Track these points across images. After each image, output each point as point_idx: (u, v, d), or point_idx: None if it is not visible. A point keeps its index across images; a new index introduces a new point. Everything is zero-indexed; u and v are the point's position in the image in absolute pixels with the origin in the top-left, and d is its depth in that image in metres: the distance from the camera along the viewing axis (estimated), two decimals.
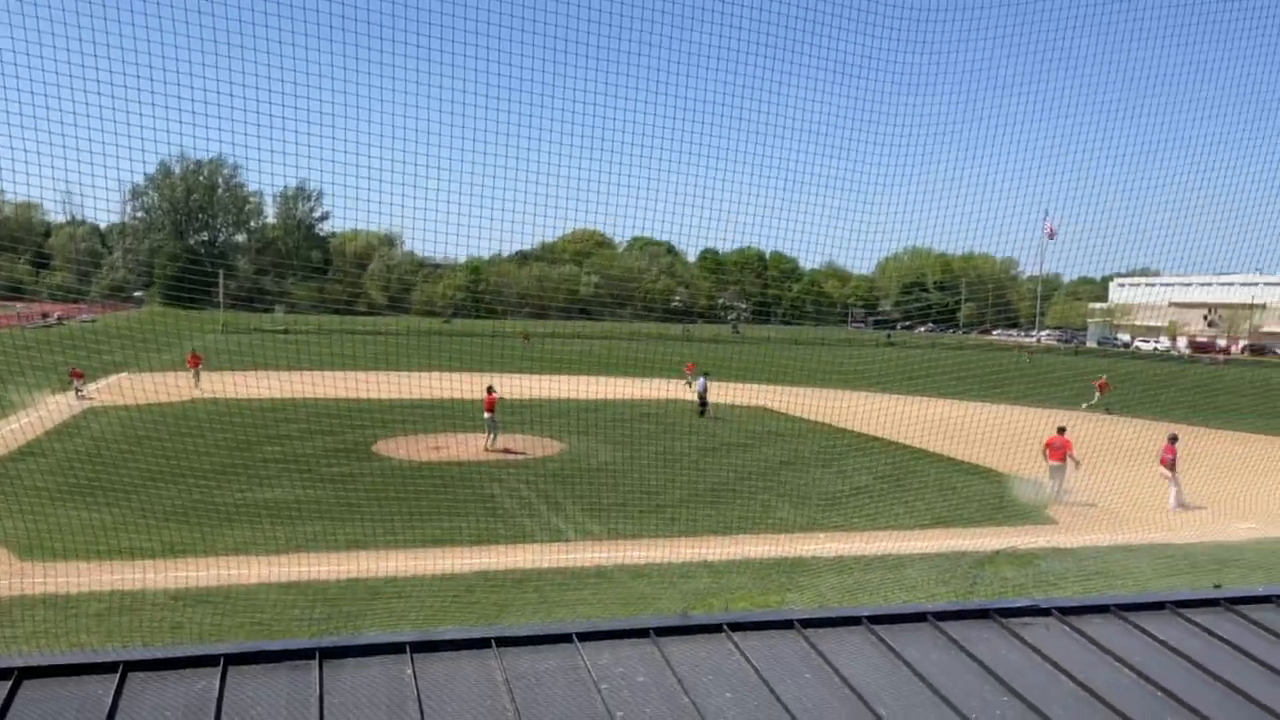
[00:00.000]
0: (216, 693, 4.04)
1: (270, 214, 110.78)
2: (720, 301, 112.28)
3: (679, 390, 41.83)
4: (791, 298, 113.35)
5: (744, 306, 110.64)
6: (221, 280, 73.09)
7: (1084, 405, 41.40)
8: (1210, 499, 22.61)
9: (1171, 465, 22.38)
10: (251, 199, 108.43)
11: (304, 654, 4.37)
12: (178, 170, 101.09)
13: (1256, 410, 41.46)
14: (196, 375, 37.43)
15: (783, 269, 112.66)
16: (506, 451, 26.37)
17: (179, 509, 18.09)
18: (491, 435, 26.74)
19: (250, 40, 10.27)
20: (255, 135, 10.73)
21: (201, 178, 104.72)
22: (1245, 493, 23.00)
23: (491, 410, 26.58)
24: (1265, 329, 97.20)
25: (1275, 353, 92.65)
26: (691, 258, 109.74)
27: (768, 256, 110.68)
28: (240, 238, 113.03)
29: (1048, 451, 22.52)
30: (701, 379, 36.76)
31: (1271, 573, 16.06)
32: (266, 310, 78.54)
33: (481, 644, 4.58)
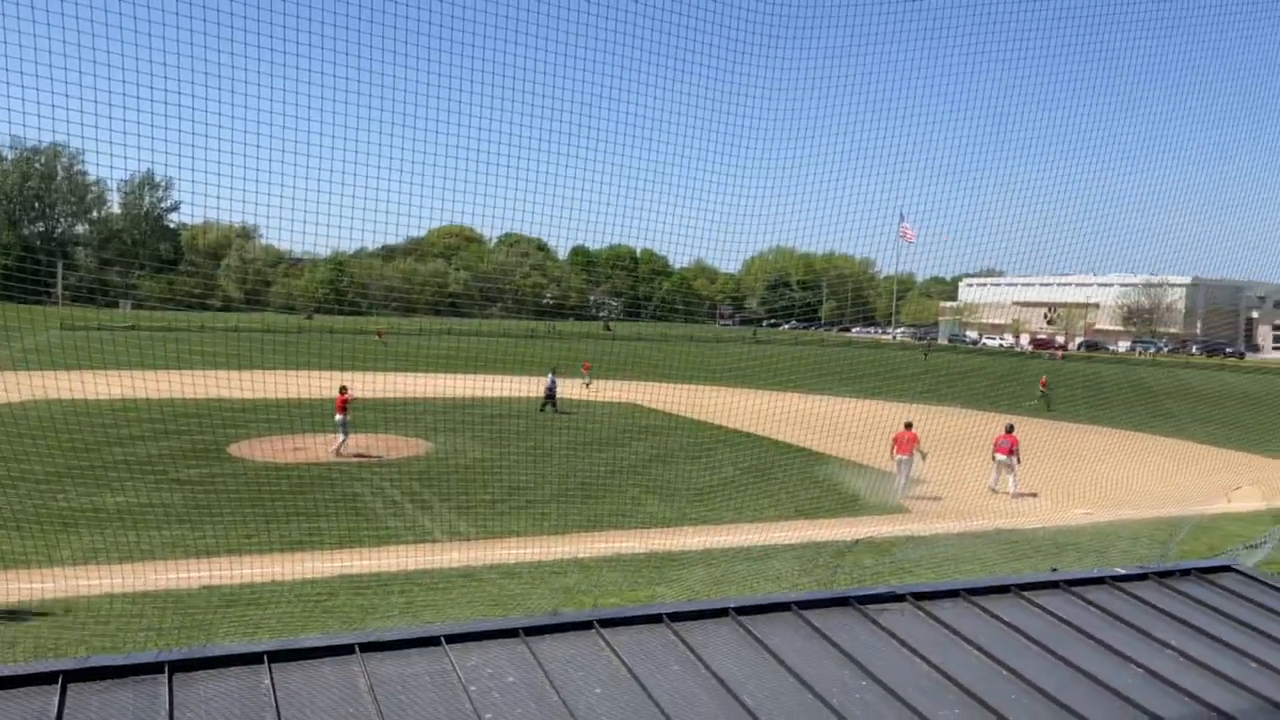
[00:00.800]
0: (55, 712, 3.79)
1: (115, 204, 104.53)
2: (592, 299, 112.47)
3: (575, 389, 41.70)
4: (662, 295, 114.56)
5: (615, 304, 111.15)
6: (60, 274, 68.71)
7: (1027, 403, 42.62)
8: (1047, 486, 24.08)
9: (1010, 452, 23.76)
10: (94, 188, 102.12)
11: (152, 668, 4.15)
12: (10, 156, 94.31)
13: (1090, 402, 44.42)
14: None
15: (653, 267, 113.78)
16: (359, 456, 25.13)
17: (13, 516, 16.87)
18: (341, 438, 25.14)
19: (89, 15, 9.63)
20: (96, 119, 10.07)
21: (38, 165, 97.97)
22: (1080, 480, 24.62)
23: (343, 411, 25.04)
24: (1098, 327, 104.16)
25: (1108, 349, 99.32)
26: (563, 255, 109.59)
27: (638, 254, 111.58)
28: (81, 229, 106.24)
29: (895, 446, 23.32)
30: (550, 374, 36.59)
31: (1104, 555, 17.19)
32: (112, 306, 74.20)
33: (344, 650, 4.45)
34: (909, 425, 23.46)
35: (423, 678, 4.30)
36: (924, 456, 23.12)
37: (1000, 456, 24.01)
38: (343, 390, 25.07)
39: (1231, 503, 21.94)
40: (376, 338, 61.12)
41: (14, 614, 12.37)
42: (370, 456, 25.16)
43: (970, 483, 24.34)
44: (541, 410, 35.30)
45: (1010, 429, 24.41)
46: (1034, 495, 23.66)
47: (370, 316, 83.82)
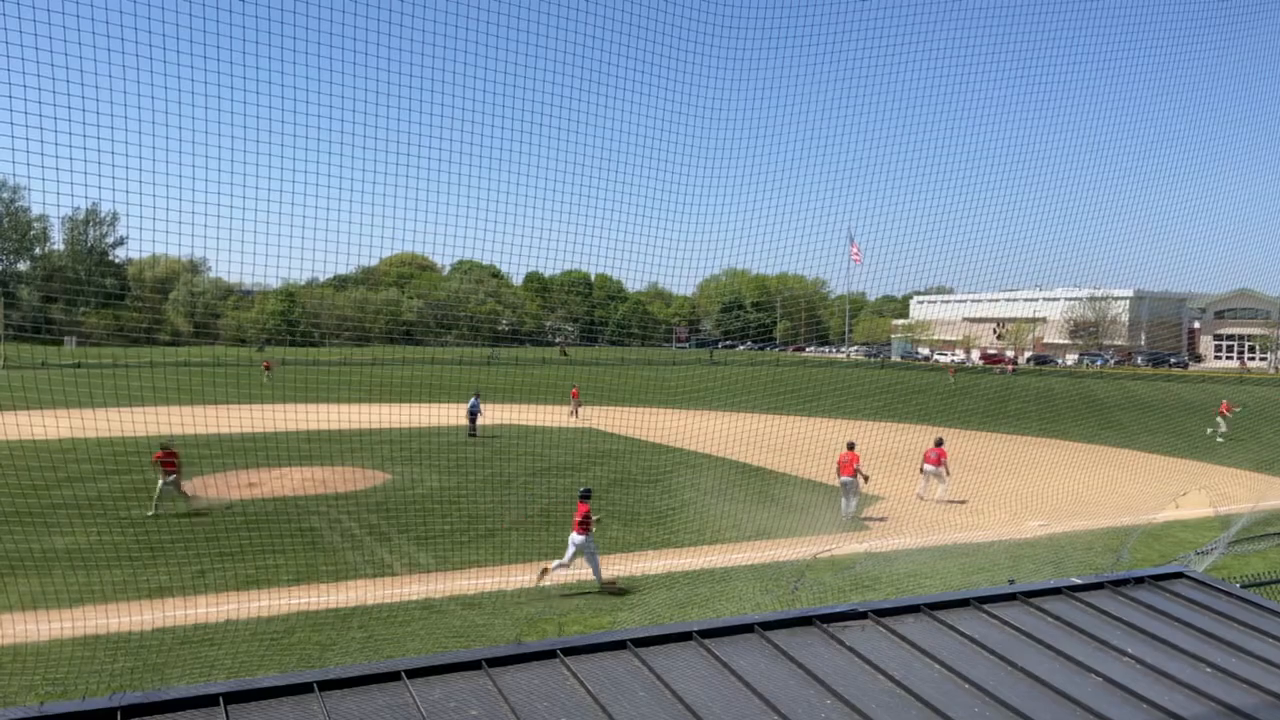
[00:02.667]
0: None
1: (57, 240, 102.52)
2: (547, 324, 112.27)
3: (563, 417, 41.50)
4: (618, 319, 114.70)
5: (571, 329, 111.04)
6: (1, 311, 67.21)
7: (1219, 438, 39.04)
8: (1002, 499, 24.38)
9: (938, 463, 24.65)
10: (36, 224, 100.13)
11: (102, 715, 4.04)
12: None
13: (1040, 415, 45.14)
14: None
15: (609, 291, 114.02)
16: (196, 515, 21.12)
17: None
18: (158, 498, 21.27)
19: (34, 52, 9.48)
20: (42, 154, 9.87)
21: None
22: (1034, 492, 24.99)
23: (173, 470, 21.30)
24: (1046, 341, 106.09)
25: (1055, 363, 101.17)
26: (518, 281, 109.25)
27: (593, 279, 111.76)
28: (23, 265, 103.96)
29: (839, 467, 23.01)
30: (474, 399, 36.36)
31: (1060, 566, 17.44)
32: (55, 343, 72.66)
33: (303, 689, 4.36)
34: (851, 446, 23.24)
35: (384, 714, 4.24)
36: (866, 479, 22.90)
37: (928, 467, 24.91)
38: (164, 448, 21.45)
39: (1179, 508, 22.39)
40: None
41: None
42: (204, 514, 21.25)
43: (915, 498, 24.64)
44: (471, 436, 35.16)
45: (939, 442, 25.20)
46: (963, 502, 24.21)
47: (324, 347, 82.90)
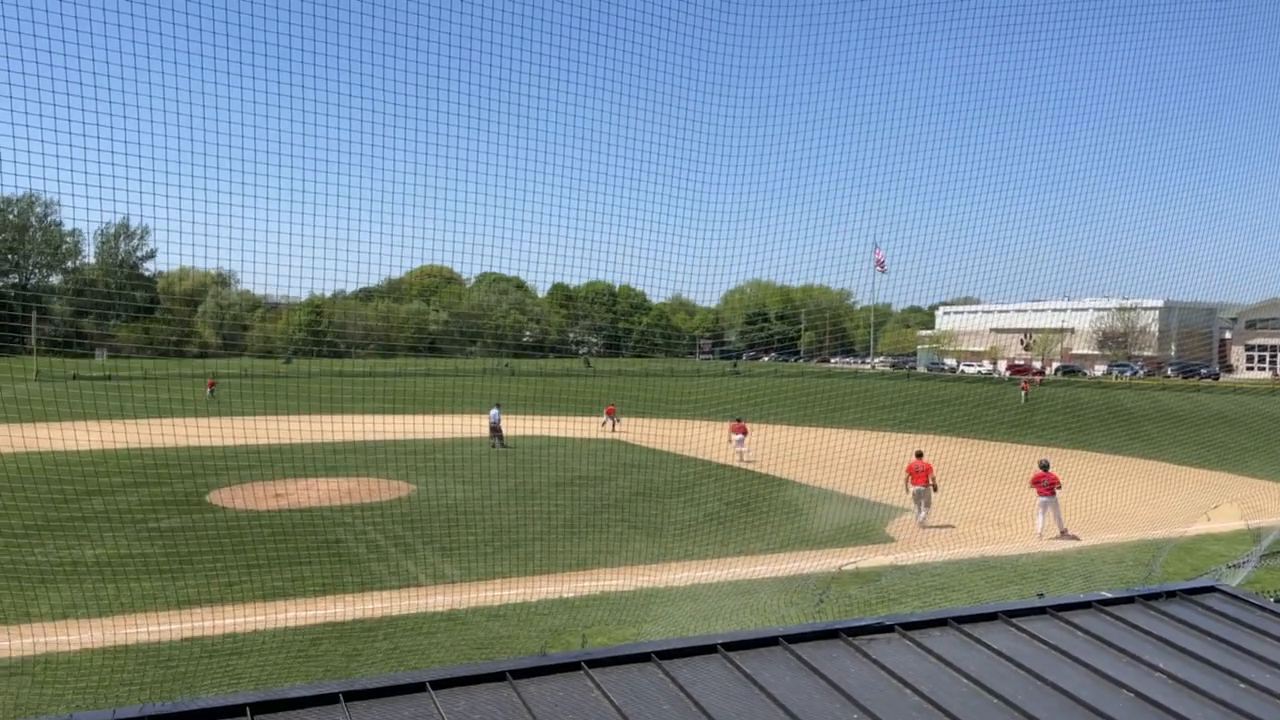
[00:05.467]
0: None
1: (89, 253, 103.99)
2: (571, 336, 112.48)
3: (597, 429, 41.69)
4: (641, 330, 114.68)
5: (595, 340, 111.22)
6: (34, 324, 68.19)
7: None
8: (1030, 512, 24.07)
9: (925, 480, 22.69)
10: (68, 238, 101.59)
11: None
12: None
13: (1068, 426, 44.63)
14: None
15: (632, 302, 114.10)
16: None
17: None
18: None
19: (63, 60, 9.63)
20: (71, 167, 10.02)
21: (11, 216, 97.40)
22: (1063, 504, 24.63)
23: None
24: (1075, 351, 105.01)
25: (1084, 374, 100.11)
26: (542, 292, 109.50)
27: (617, 290, 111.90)
28: (56, 279, 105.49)
29: (910, 476, 22.72)
30: (495, 410, 36.47)
31: (1090, 580, 17.23)
32: (87, 355, 73.61)
33: (329, 699, 4.39)
34: (920, 454, 22.90)
35: None
36: (936, 489, 22.45)
37: (916, 487, 22.88)
38: None
39: (1211, 522, 22.06)
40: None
41: None
42: None
43: (955, 508, 24.36)
44: (494, 446, 35.33)
45: (920, 454, 23.21)
46: (951, 526, 22.87)
47: (349, 359, 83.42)
